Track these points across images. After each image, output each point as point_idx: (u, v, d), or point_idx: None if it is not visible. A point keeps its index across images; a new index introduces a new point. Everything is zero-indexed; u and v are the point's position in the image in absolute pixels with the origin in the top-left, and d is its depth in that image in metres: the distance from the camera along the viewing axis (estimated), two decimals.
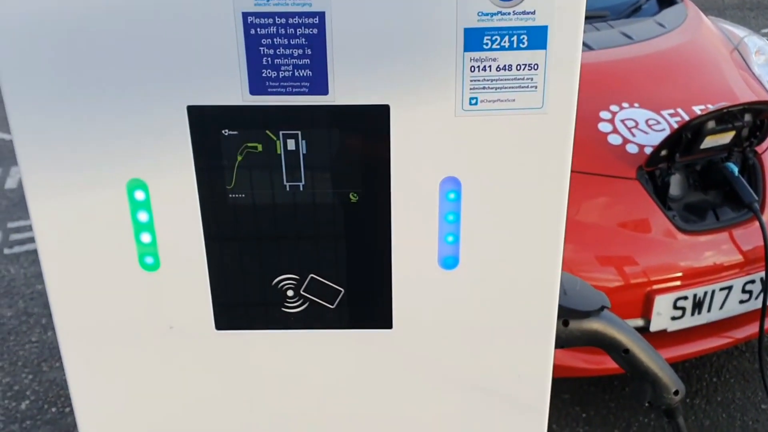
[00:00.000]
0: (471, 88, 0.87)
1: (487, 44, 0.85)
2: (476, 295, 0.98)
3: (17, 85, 0.87)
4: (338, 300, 1.00)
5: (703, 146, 2.68)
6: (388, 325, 1.00)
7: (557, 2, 0.83)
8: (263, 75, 0.87)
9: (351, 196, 0.94)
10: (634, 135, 2.87)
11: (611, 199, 2.79)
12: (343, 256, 0.97)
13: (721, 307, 2.74)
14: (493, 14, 0.84)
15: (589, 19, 3.54)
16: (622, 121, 2.94)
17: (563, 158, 0.90)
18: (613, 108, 2.98)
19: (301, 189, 0.94)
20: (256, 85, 0.88)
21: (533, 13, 0.84)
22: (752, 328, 2.83)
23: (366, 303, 1.00)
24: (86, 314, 1.00)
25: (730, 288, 2.70)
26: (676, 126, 2.81)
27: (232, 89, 0.87)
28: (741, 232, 2.73)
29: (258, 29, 0.85)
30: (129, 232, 0.95)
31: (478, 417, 1.05)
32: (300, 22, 0.84)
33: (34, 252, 3.94)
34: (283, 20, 0.84)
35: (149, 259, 0.97)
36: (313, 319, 1.01)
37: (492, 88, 0.87)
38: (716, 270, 2.68)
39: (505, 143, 0.90)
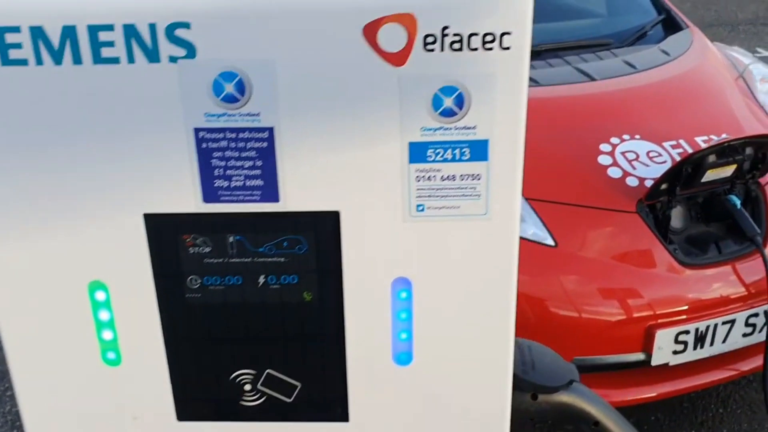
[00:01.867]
0: (417, 196, 0.89)
1: (431, 156, 0.87)
2: (430, 389, 1.00)
3: None
4: (295, 394, 1.02)
5: (704, 179, 2.66)
6: (344, 418, 1.02)
7: (497, 117, 0.85)
8: (215, 185, 0.90)
9: (305, 296, 0.96)
10: (634, 168, 2.86)
11: (612, 233, 2.78)
12: (299, 353, 0.99)
13: (724, 341, 2.71)
14: (435, 129, 0.86)
15: (592, 47, 3.53)
16: (623, 153, 2.93)
17: (508, 260, 0.92)
18: (614, 140, 2.97)
19: (257, 290, 0.96)
20: (209, 194, 0.90)
21: (474, 128, 0.86)
22: (757, 361, 2.81)
23: (323, 397, 1.02)
24: (52, 406, 1.03)
25: (733, 321, 2.68)
26: (677, 158, 2.80)
27: (187, 197, 0.90)
28: (744, 265, 2.71)
29: (209, 143, 0.88)
30: (91, 329, 0.98)
31: None
32: (250, 136, 0.87)
33: None
34: (234, 135, 0.87)
35: (111, 355, 0.99)
36: (270, 413, 1.03)
37: (437, 197, 0.89)
38: (719, 304, 2.66)
39: (452, 247, 0.92)
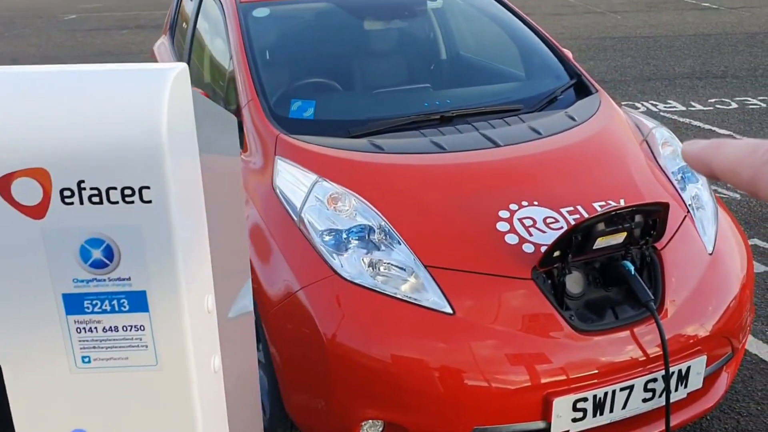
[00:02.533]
0: (81, 348, 0.86)
1: (88, 308, 0.84)
2: None
3: None
4: None
5: (595, 246, 2.65)
6: None
7: (150, 269, 0.82)
8: None
9: None
10: (531, 234, 2.84)
11: (507, 300, 2.75)
12: None
13: (624, 407, 2.67)
14: (88, 281, 0.83)
15: (502, 113, 3.53)
16: (520, 219, 2.91)
17: (186, 409, 0.88)
18: (513, 206, 2.96)
19: None
20: None
21: (129, 279, 0.83)
22: (661, 425, 2.77)
23: None
24: None
25: (631, 387, 2.64)
26: (573, 224, 2.79)
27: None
28: (641, 330, 2.69)
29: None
30: None
31: None
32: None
33: None
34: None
35: None
36: None
37: (102, 348, 0.86)
38: (615, 370, 2.63)
39: (125, 397, 0.88)
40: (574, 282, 2.79)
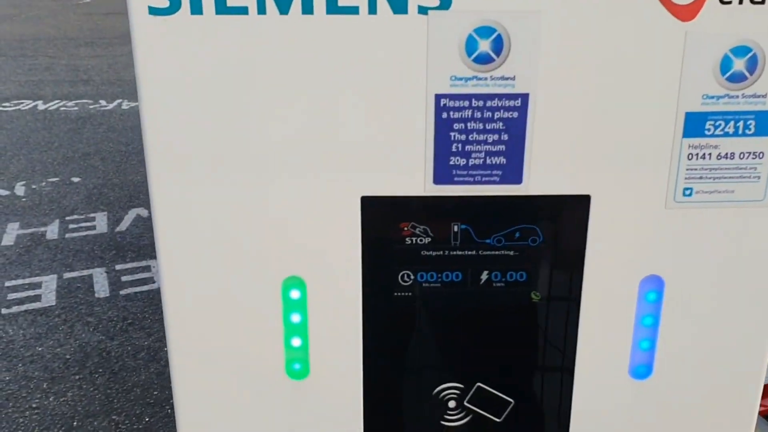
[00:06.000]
0: (686, 178, 0.77)
1: (709, 130, 0.75)
2: (668, 409, 0.86)
3: (169, 177, 0.76)
4: (506, 413, 0.87)
5: None
6: None
7: None
8: (451, 163, 0.76)
9: (533, 296, 0.83)
10: None
11: None
12: (518, 363, 0.86)
13: None
14: (719, 97, 0.74)
15: None
16: None
17: None
18: None
19: (477, 288, 0.82)
20: (442, 174, 0.77)
21: (764, 96, 0.74)
22: None
23: (539, 417, 0.87)
24: (214, 424, 0.87)
25: None
26: None
27: (414, 178, 0.77)
28: None
29: (450, 113, 0.75)
30: (278, 334, 0.83)
31: None
32: (500, 104, 0.74)
33: (33, 312, 3.75)
34: (480, 103, 0.74)
35: (297, 366, 0.84)
36: None
37: (710, 178, 0.77)
38: None
39: (719, 239, 0.79)
40: None
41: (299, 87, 0.74)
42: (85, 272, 4.04)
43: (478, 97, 0.74)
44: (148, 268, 4.04)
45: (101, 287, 3.89)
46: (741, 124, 0.75)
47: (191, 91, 0.73)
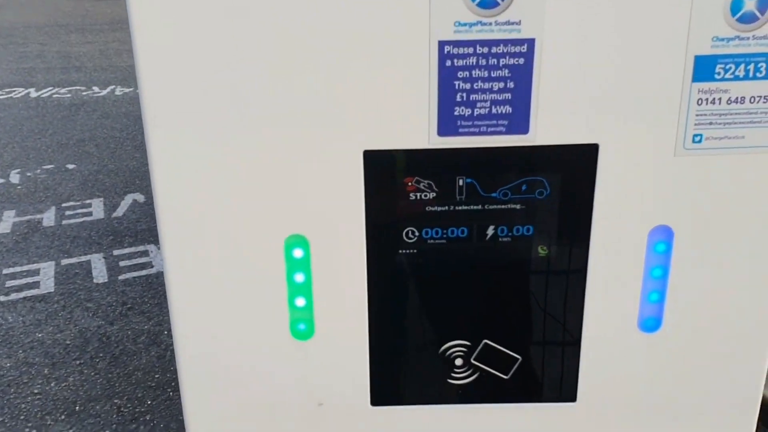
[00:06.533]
0: (696, 124, 0.75)
1: (719, 74, 0.74)
2: (678, 362, 0.85)
3: (170, 137, 0.74)
4: (514, 369, 0.86)
5: None
6: (571, 397, 0.87)
7: None
8: (455, 113, 0.75)
9: (540, 250, 0.81)
10: None
11: None
12: (525, 319, 0.84)
13: None
14: (729, 39, 0.72)
15: None
16: None
17: None
18: None
19: (483, 243, 0.81)
20: (447, 125, 0.75)
21: None
22: None
23: (547, 372, 0.86)
24: (218, 386, 0.86)
25: None
26: None
27: (418, 130, 0.75)
28: None
29: (455, 60, 0.73)
30: (282, 294, 0.81)
31: None
32: (505, 51, 0.72)
33: (32, 299, 3.74)
34: (485, 49, 0.72)
35: (302, 326, 0.83)
36: (482, 392, 0.87)
37: (720, 124, 0.76)
38: None
39: (729, 186, 0.78)
40: None
41: (298, 40, 0.72)
42: (83, 258, 4.02)
43: (482, 43, 0.72)
44: (146, 253, 4.02)
45: (99, 273, 3.87)
46: (752, 66, 0.73)
47: (187, 47, 0.71)
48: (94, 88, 7.13)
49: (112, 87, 7.17)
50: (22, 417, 2.99)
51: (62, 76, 7.55)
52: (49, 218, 4.54)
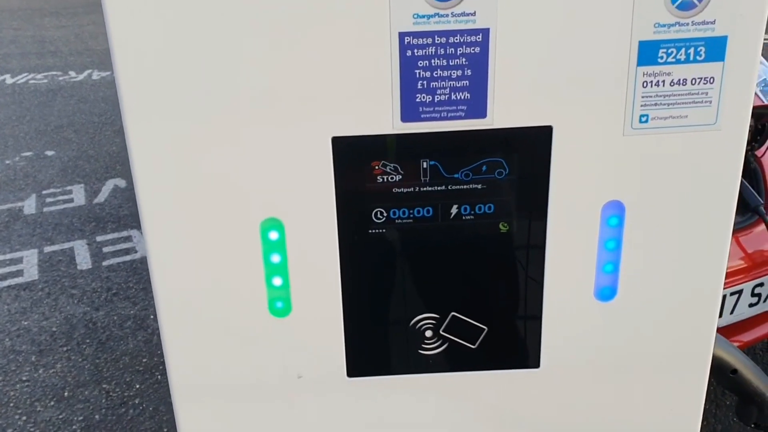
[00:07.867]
0: (642, 105, 0.81)
1: (662, 57, 0.79)
2: (633, 327, 0.91)
3: (144, 124, 0.79)
4: (480, 339, 0.92)
5: None
6: (535, 364, 0.93)
7: (739, 10, 0.77)
8: (417, 100, 0.79)
9: (501, 227, 0.87)
10: None
11: None
12: (490, 291, 0.90)
13: (731, 312, 2.71)
14: (670, 25, 0.78)
15: None
16: None
17: (733, 177, 0.84)
18: None
19: (447, 222, 0.86)
20: (409, 112, 0.80)
21: (713, 23, 0.78)
22: (760, 331, 2.81)
23: (511, 341, 0.92)
24: (204, 363, 0.91)
25: (740, 292, 2.68)
26: None
27: (383, 117, 0.80)
28: (746, 236, 2.71)
29: (414, 50, 0.77)
30: (259, 275, 0.86)
31: None
32: (462, 40, 0.77)
33: (17, 287, 3.76)
34: (443, 39, 0.77)
35: (279, 304, 0.88)
36: (451, 361, 0.93)
37: (664, 105, 0.81)
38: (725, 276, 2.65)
39: (674, 163, 0.83)
40: None
41: (269, 29, 0.76)
42: (66, 245, 4.05)
43: (440, 33, 0.77)
44: (129, 239, 4.06)
45: (83, 259, 3.90)
46: (692, 50, 0.79)
47: (160, 30, 0.75)
48: (70, 72, 7.09)
49: (89, 71, 7.13)
50: (11, 404, 3.03)
51: (38, 62, 7.50)
52: (30, 206, 4.56)
